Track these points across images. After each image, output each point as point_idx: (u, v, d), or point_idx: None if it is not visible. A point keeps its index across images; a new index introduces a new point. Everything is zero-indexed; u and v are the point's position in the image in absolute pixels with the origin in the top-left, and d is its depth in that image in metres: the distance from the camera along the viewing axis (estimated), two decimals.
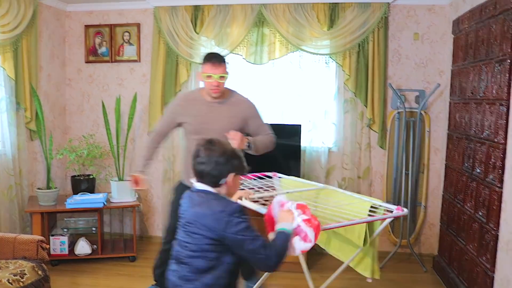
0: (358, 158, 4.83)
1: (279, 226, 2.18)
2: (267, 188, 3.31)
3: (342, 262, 3.06)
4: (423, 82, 4.73)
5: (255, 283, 3.32)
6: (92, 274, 4.32)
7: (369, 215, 2.67)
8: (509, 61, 3.09)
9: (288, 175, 4.59)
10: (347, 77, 4.69)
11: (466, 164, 3.81)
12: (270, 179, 3.55)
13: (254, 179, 3.49)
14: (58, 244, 4.46)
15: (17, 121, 4.41)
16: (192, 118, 3.27)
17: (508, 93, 3.09)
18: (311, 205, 2.55)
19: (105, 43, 5.17)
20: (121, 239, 5.06)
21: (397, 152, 4.72)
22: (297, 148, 4.64)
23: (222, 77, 3.17)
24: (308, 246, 2.16)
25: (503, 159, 3.14)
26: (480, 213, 3.45)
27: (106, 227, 5.26)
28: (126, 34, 5.12)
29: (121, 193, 4.64)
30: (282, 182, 3.49)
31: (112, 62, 5.18)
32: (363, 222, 2.64)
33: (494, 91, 3.30)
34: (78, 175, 4.77)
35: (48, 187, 4.51)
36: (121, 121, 4.95)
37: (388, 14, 4.66)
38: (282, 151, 4.72)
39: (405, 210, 2.70)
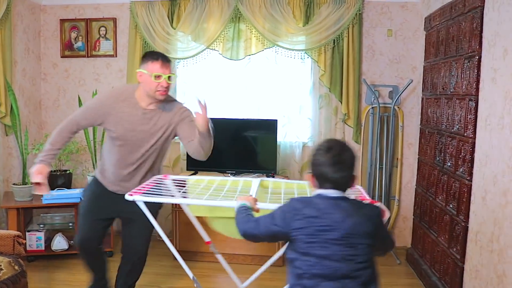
0: None
1: None
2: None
3: None
4: (396, 78, 4.83)
5: None
6: (69, 269, 4.31)
7: None
8: (477, 57, 3.18)
9: (264, 170, 4.69)
10: (322, 72, 4.76)
11: (437, 158, 3.91)
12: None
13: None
14: (35, 240, 4.43)
15: None
16: (119, 124, 2.92)
17: (477, 89, 3.19)
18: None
19: (81, 37, 5.14)
20: None
21: (371, 147, 4.81)
22: (273, 143, 4.68)
23: (170, 78, 2.90)
24: None
25: (472, 152, 3.23)
26: (451, 206, 3.55)
27: None
28: (102, 28, 5.10)
29: None
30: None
31: (88, 57, 5.16)
32: None
33: (463, 87, 3.40)
34: (55, 171, 4.75)
35: (24, 183, 4.48)
36: None
37: (362, 10, 4.74)
38: (258, 146, 4.78)
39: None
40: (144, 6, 4.86)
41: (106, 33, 5.10)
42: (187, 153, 4.75)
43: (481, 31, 3.16)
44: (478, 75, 3.18)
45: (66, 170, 4.83)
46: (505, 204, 2.78)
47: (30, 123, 5.01)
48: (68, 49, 5.18)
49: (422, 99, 4.44)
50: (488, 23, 3.08)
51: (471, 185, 3.25)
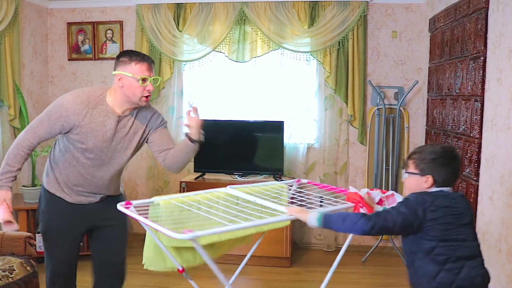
0: (341, 154, 4.93)
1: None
2: None
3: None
4: (401, 79, 4.85)
5: None
6: (79, 270, 4.33)
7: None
8: (482, 58, 3.21)
9: (271, 171, 4.72)
10: (328, 74, 4.79)
11: None
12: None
13: None
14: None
15: (1, 118, 4.42)
16: (91, 134, 2.50)
17: (482, 89, 3.22)
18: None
19: (88, 40, 5.19)
20: None
21: (377, 148, 4.84)
22: (280, 144, 4.72)
23: (155, 81, 2.57)
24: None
25: (478, 153, 3.26)
26: None
27: None
28: (109, 31, 5.15)
29: None
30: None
31: (95, 59, 5.20)
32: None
33: (469, 88, 3.42)
34: None
35: (34, 185, 4.52)
36: None
37: (367, 12, 4.77)
38: (265, 148, 4.81)
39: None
40: (150, 9, 4.90)
41: (112, 36, 5.15)
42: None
43: (486, 32, 3.19)
44: (484, 75, 3.21)
45: None
46: None
47: None
48: (75, 52, 5.23)
49: (428, 100, 4.47)
50: (493, 24, 3.11)
51: (478, 185, 3.27)
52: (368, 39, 4.83)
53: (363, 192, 2.28)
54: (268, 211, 2.20)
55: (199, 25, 4.83)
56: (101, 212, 2.65)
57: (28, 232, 4.01)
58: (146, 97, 2.50)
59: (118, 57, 2.52)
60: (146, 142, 2.71)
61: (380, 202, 2.30)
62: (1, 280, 2.84)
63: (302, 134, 4.98)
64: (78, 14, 5.20)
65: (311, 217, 2.01)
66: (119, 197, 2.78)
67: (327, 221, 2.00)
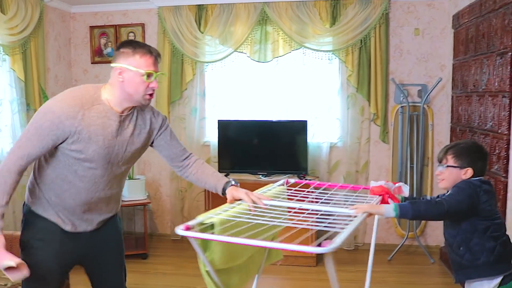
0: (362, 152, 4.92)
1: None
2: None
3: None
4: (425, 76, 4.82)
5: None
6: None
7: None
8: (510, 54, 3.18)
9: (295, 171, 4.73)
10: (350, 72, 4.78)
11: None
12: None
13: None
14: None
15: (28, 122, 4.47)
16: (91, 141, 2.07)
17: (510, 85, 3.18)
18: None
19: (110, 43, 5.24)
20: (132, 237, 5.14)
21: (401, 146, 4.81)
22: (304, 144, 4.72)
23: (159, 77, 2.29)
24: None
25: (507, 149, 3.22)
26: None
27: None
28: (131, 34, 5.20)
29: (131, 192, 4.72)
30: None
31: None
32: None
33: (496, 84, 3.39)
34: None
35: None
36: None
37: (389, 10, 4.74)
38: (289, 148, 4.81)
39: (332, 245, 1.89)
40: (172, 11, 4.93)
41: (135, 38, 5.19)
42: (218, 154, 4.86)
43: None
44: (511, 71, 3.18)
45: None
46: None
47: None
48: (98, 55, 5.29)
49: (452, 97, 4.43)
50: None
51: (507, 182, 3.24)
52: (390, 37, 4.80)
53: (380, 183, 2.46)
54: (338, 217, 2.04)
55: (221, 26, 4.85)
56: (97, 239, 2.30)
57: None
58: (150, 95, 2.14)
59: (119, 47, 2.14)
60: (151, 146, 2.37)
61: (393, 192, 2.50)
62: None
63: (325, 133, 4.97)
64: (100, 17, 5.26)
65: (388, 209, 2.17)
66: (114, 218, 2.41)
67: (402, 210, 2.18)
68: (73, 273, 2.51)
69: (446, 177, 2.39)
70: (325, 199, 2.40)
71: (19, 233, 2.26)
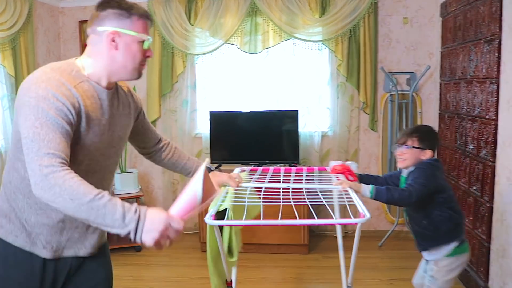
0: (352, 141, 4.98)
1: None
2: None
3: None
4: (413, 64, 4.87)
5: None
6: None
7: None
8: (497, 40, 3.23)
9: (286, 161, 4.78)
10: (340, 62, 4.82)
11: (459, 142, 3.97)
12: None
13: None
14: None
15: None
16: (87, 125, 1.68)
17: (498, 71, 3.24)
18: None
19: None
20: None
21: (390, 134, 4.87)
22: (295, 133, 4.76)
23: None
24: None
25: (495, 134, 3.29)
26: (475, 188, 3.61)
27: None
28: None
29: (124, 185, 4.74)
30: None
31: None
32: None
33: (484, 70, 3.45)
34: None
35: None
36: None
37: None
38: (280, 137, 4.85)
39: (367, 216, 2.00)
40: (162, 4, 4.93)
41: None
42: (210, 146, 4.89)
43: (501, 15, 3.20)
44: (499, 58, 3.23)
45: None
46: None
47: None
48: None
49: (440, 84, 4.49)
50: (508, 7, 3.12)
51: (495, 166, 3.31)
52: (379, 26, 4.84)
53: (340, 162, 2.69)
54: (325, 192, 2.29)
55: (211, 18, 4.87)
56: (85, 271, 1.90)
57: None
58: (143, 65, 1.80)
59: (104, 7, 1.72)
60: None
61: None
62: None
63: (316, 122, 5.02)
64: (90, 12, 5.13)
65: (365, 190, 2.43)
66: (106, 244, 2.02)
67: (378, 193, 2.44)
68: None
69: (408, 157, 2.63)
70: (297, 180, 2.55)
71: None
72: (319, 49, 4.89)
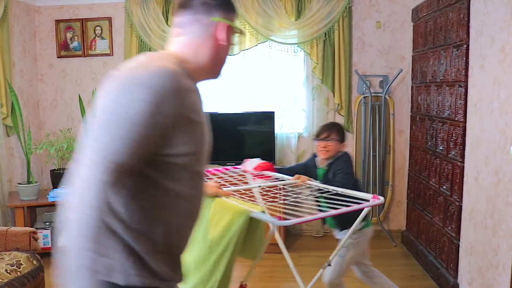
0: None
1: None
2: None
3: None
4: (386, 68, 5.01)
5: None
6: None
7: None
8: (465, 46, 3.37)
9: (263, 161, 4.84)
10: (315, 65, 4.93)
11: (429, 143, 4.10)
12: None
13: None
14: (42, 238, 4.53)
15: None
16: (199, 135, 1.42)
17: (466, 75, 3.38)
18: None
19: (76, 37, 5.23)
20: None
21: (364, 135, 5.00)
22: (271, 134, 4.84)
23: None
24: None
25: (463, 136, 3.42)
26: (444, 187, 3.75)
27: None
28: (98, 28, 5.20)
29: None
30: None
31: (84, 56, 5.24)
32: (342, 213, 2.43)
33: (453, 74, 3.58)
34: (58, 169, 4.84)
35: (29, 182, 4.57)
36: None
37: (352, 4, 4.91)
38: (256, 138, 4.93)
39: (381, 198, 2.54)
40: (139, 5, 4.96)
41: (101, 32, 5.20)
42: None
43: (468, 21, 3.34)
44: (467, 62, 3.37)
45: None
46: (497, 182, 2.98)
47: (29, 123, 5.08)
48: (64, 49, 5.27)
49: (412, 87, 4.63)
50: (475, 14, 3.27)
51: (463, 166, 3.44)
52: (353, 29, 4.97)
53: (258, 161, 3.19)
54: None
55: None
56: None
57: None
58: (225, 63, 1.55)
59: None
60: None
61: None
62: (10, 274, 2.92)
63: (292, 124, 5.11)
64: (66, 11, 5.24)
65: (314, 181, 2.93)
66: None
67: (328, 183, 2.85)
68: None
69: (331, 149, 2.98)
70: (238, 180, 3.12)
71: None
72: (294, 51, 4.99)
